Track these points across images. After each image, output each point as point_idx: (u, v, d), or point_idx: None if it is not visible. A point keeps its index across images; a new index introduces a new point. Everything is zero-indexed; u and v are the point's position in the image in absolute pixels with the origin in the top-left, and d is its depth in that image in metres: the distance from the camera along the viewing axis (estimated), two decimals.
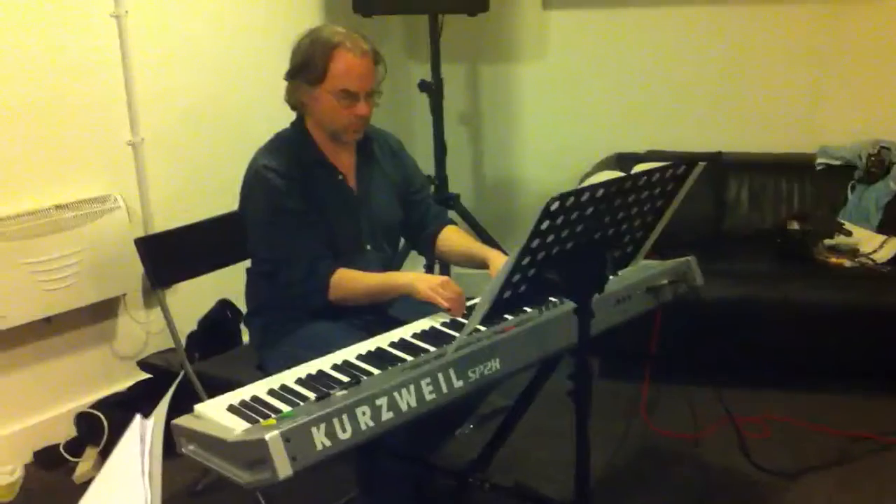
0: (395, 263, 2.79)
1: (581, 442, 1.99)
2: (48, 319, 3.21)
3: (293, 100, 2.52)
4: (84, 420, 3.27)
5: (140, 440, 0.98)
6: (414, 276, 2.44)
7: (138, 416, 1.02)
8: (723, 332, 3.46)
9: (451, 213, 3.94)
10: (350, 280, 2.45)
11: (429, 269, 4.08)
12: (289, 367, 2.00)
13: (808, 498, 2.85)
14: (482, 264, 2.54)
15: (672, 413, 3.37)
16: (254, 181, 2.48)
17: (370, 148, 2.64)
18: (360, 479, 2.54)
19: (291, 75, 2.49)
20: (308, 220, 2.45)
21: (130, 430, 1.01)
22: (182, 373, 2.27)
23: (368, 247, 2.60)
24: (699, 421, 3.09)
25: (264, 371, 2.42)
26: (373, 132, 2.66)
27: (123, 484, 0.95)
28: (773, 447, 3.13)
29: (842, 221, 3.83)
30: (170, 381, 1.17)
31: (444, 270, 4.00)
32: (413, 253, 3.62)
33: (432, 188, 4.08)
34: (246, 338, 3.03)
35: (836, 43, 4.12)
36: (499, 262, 2.45)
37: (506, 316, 2.14)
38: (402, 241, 2.87)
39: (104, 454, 3.21)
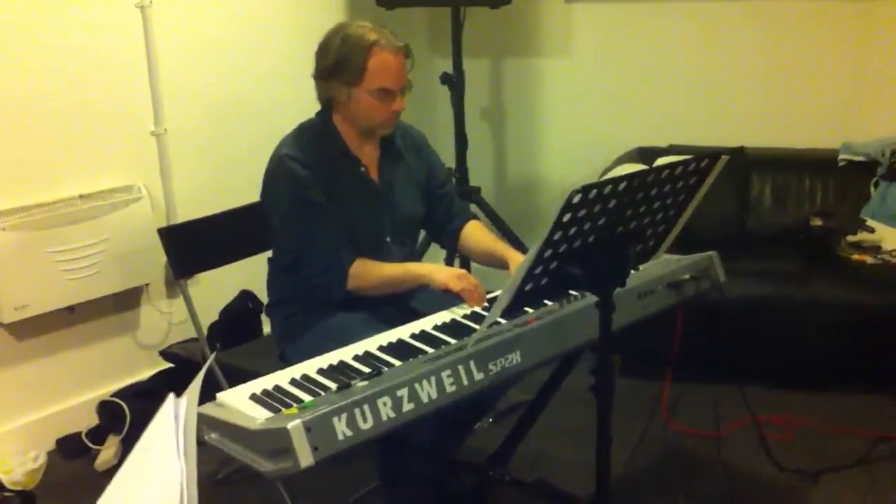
0: (414, 257, 2.79)
1: (602, 437, 1.99)
2: (71, 308, 3.23)
3: (325, 98, 2.51)
4: (106, 408, 3.30)
5: (175, 418, 0.99)
6: (432, 267, 2.45)
7: (171, 395, 1.03)
8: (746, 330, 3.44)
9: (472, 207, 3.94)
10: (368, 270, 2.46)
11: (449, 263, 4.08)
12: (311, 358, 2.01)
13: (830, 499, 2.83)
14: (503, 264, 2.54)
15: (694, 412, 3.35)
16: (277, 170, 2.49)
17: (394, 142, 2.64)
18: (383, 474, 2.54)
19: (325, 75, 2.46)
20: (330, 212, 2.45)
21: (164, 408, 1.02)
22: (213, 354, 2.28)
23: (388, 239, 2.60)
24: (721, 420, 3.08)
25: (286, 361, 2.43)
26: (397, 126, 2.66)
27: (158, 462, 0.96)
28: (796, 448, 3.10)
29: (864, 218, 3.80)
30: (191, 371, 1.17)
31: (465, 264, 4.00)
32: (433, 247, 3.63)
33: (453, 181, 4.07)
34: (267, 328, 3.04)
35: (864, 38, 4.08)
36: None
37: (527, 309, 2.14)
38: (423, 234, 2.88)
39: (126, 442, 3.23)
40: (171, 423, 0.98)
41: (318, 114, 2.58)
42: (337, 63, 2.43)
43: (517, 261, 2.48)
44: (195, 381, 1.03)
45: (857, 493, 2.85)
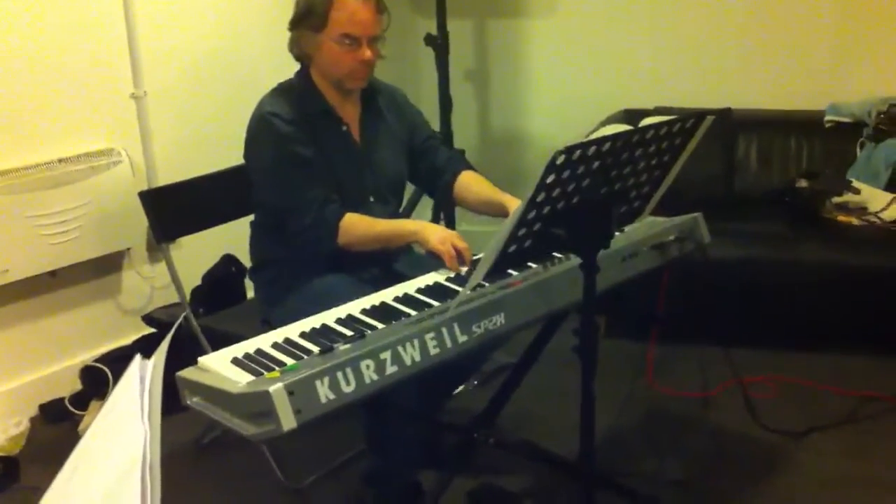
0: (399, 217, 2.77)
1: (586, 398, 1.99)
2: (53, 273, 3.21)
3: (297, 50, 2.50)
4: (89, 374, 3.29)
5: (140, 380, 0.98)
6: (424, 224, 2.43)
7: (138, 357, 1.02)
8: (731, 291, 3.44)
9: None
10: (359, 225, 2.44)
11: (434, 221, 4.06)
12: (294, 322, 2.00)
13: (815, 458, 2.85)
14: (502, 212, 2.50)
15: (679, 373, 3.36)
16: (259, 128, 2.47)
17: (375, 101, 2.62)
18: (369, 436, 2.54)
19: (294, 24, 2.47)
20: (316, 166, 2.43)
21: (130, 370, 1.01)
22: (182, 316, 2.27)
23: (372, 199, 2.58)
24: (707, 381, 3.09)
25: (270, 325, 2.41)
26: (378, 85, 2.64)
27: (123, 424, 0.95)
28: (782, 407, 3.12)
29: (850, 179, 3.80)
30: (174, 336, 1.15)
31: (450, 227, 3.98)
32: (418, 207, 3.61)
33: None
34: (250, 293, 3.02)
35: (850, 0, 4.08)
36: None
37: (511, 272, 2.13)
38: (412, 192, 2.84)
39: None
40: (137, 386, 0.97)
41: (296, 73, 2.57)
42: (305, 10, 2.43)
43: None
44: (163, 344, 1.02)
45: (843, 452, 2.87)
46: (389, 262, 2.57)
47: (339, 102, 2.54)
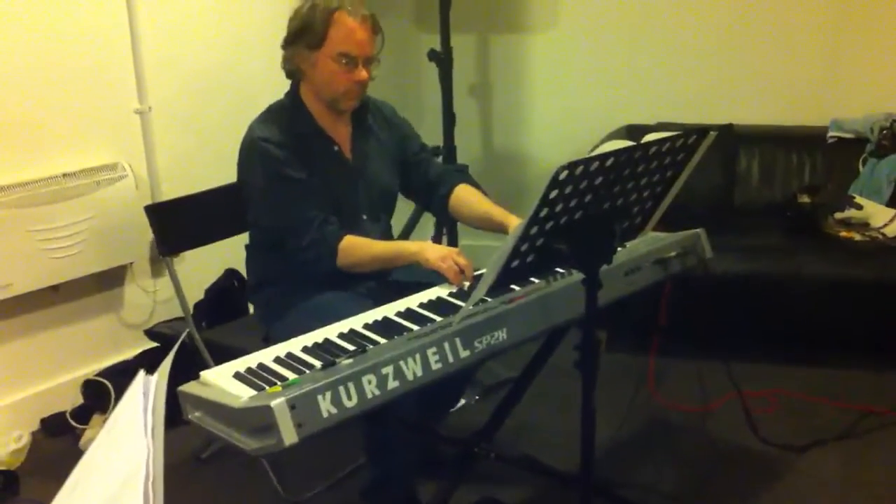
0: (391, 234, 2.76)
1: (587, 413, 1.99)
2: (55, 287, 3.21)
3: (290, 67, 2.50)
4: (91, 388, 3.28)
5: (143, 396, 0.99)
6: (424, 245, 2.42)
7: (141, 373, 1.02)
8: (732, 305, 3.44)
9: None
10: (358, 247, 2.44)
11: (436, 240, 4.06)
12: (295, 337, 2.00)
13: (816, 472, 2.84)
14: (501, 229, 2.50)
15: (680, 386, 3.35)
16: (250, 153, 2.46)
17: (365, 118, 2.62)
18: (369, 446, 2.54)
19: (290, 41, 2.47)
20: (309, 187, 2.43)
21: (133, 386, 1.01)
22: (186, 331, 2.26)
23: (364, 217, 2.58)
24: (707, 395, 3.08)
25: (270, 343, 2.41)
26: (367, 101, 2.63)
27: (126, 439, 0.96)
28: (782, 421, 3.11)
29: (852, 195, 3.81)
30: (176, 350, 1.16)
31: (452, 242, 3.98)
32: (418, 225, 3.61)
33: (440, 159, 4.05)
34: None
35: (850, 15, 4.07)
36: None
37: (513, 287, 2.13)
38: (412, 211, 2.84)
39: None
40: (140, 401, 0.97)
41: (287, 94, 2.57)
42: (301, 28, 2.43)
43: (515, 224, 2.46)
44: (166, 360, 1.02)
45: (843, 466, 2.86)
46: (385, 274, 2.57)
47: (330, 122, 2.54)
